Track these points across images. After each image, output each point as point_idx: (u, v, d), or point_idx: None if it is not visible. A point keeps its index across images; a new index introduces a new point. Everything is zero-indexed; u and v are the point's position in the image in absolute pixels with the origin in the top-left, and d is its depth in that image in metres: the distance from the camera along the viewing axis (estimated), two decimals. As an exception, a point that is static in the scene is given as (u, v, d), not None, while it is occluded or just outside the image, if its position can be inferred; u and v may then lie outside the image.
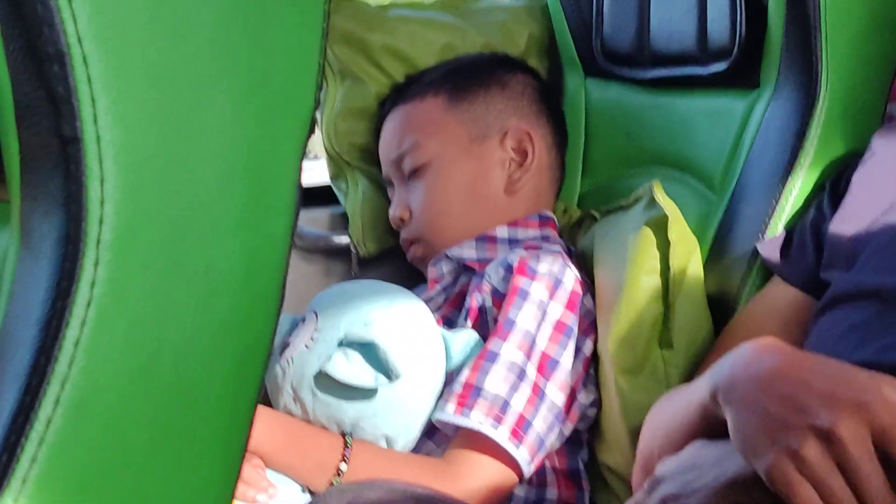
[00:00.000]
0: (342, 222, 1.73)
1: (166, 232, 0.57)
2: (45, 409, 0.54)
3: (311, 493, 1.28)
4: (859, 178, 1.17)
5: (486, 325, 1.38)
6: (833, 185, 1.21)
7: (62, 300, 0.55)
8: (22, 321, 0.56)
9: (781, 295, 1.19)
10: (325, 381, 1.31)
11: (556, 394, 1.32)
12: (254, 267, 0.60)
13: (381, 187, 1.66)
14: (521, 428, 1.29)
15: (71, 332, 0.55)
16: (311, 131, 0.61)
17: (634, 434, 1.32)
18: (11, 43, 0.55)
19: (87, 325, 0.55)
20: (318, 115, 1.71)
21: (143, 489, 0.59)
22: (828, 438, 0.81)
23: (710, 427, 0.94)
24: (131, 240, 0.56)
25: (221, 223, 0.59)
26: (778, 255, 1.21)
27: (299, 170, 0.61)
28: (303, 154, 0.61)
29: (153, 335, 0.57)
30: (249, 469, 1.25)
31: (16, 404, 0.54)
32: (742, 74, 1.38)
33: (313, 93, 0.60)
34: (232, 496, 0.62)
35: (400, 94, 1.62)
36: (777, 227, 1.25)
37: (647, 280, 1.28)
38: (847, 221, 1.14)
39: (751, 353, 0.92)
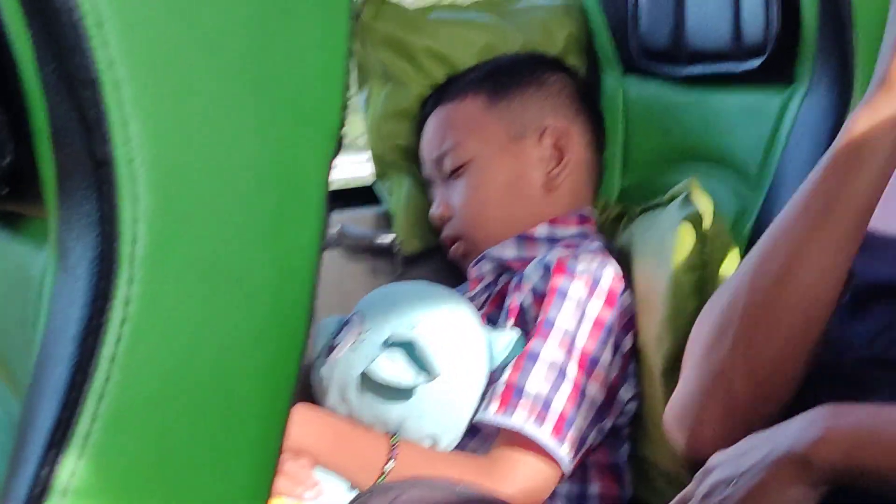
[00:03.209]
0: (386, 222, 1.74)
1: (197, 246, 0.57)
2: (82, 424, 0.55)
3: (357, 490, 1.28)
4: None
5: (526, 324, 1.38)
6: None
7: (97, 318, 0.55)
8: (59, 338, 0.56)
9: None
10: (370, 382, 1.32)
11: (596, 391, 1.32)
12: (284, 275, 0.60)
13: (423, 187, 1.66)
14: (562, 426, 1.29)
15: (106, 350, 0.55)
16: (339, 147, 0.61)
17: (676, 428, 1.32)
18: (45, 68, 0.55)
19: (122, 342, 0.55)
20: (364, 119, 1.72)
21: (182, 490, 0.59)
22: None
23: None
24: (164, 256, 0.56)
25: (251, 234, 0.59)
26: None
27: (327, 182, 0.61)
28: (330, 168, 0.61)
29: (187, 347, 0.58)
30: (297, 467, 1.26)
31: (54, 420, 0.55)
32: (776, 70, 1.38)
33: (339, 110, 0.60)
34: (269, 495, 0.62)
35: (440, 94, 1.62)
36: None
37: (685, 276, 1.28)
38: (880, 216, 1.12)
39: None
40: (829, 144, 1.27)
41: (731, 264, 1.27)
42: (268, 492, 0.63)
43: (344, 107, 0.60)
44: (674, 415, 1.06)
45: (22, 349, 0.64)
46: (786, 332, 0.99)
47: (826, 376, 0.98)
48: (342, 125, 0.61)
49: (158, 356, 0.57)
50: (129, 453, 0.56)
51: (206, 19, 0.56)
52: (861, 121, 1.01)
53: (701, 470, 0.95)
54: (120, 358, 0.55)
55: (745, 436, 0.98)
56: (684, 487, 0.96)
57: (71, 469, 0.55)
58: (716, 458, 0.94)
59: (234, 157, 0.58)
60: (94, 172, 0.55)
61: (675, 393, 1.06)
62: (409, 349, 1.31)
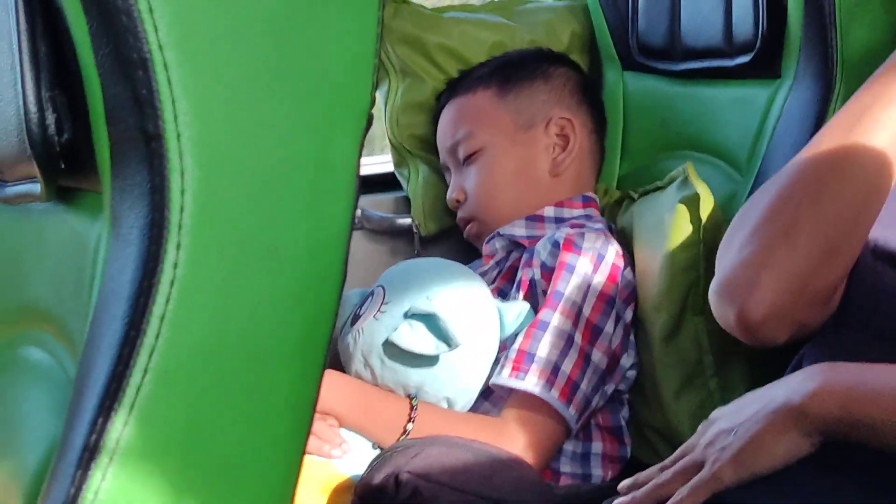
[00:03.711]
0: (405, 206, 1.73)
1: (238, 215, 0.57)
2: (135, 377, 0.55)
3: (380, 448, 1.29)
4: None
5: (536, 297, 1.38)
6: None
7: (149, 280, 0.56)
8: (113, 299, 0.57)
9: None
10: (392, 349, 1.32)
11: (600, 358, 1.32)
12: (318, 245, 0.61)
13: (439, 173, 1.66)
14: (569, 389, 1.29)
15: (157, 308, 0.55)
16: (369, 125, 0.61)
17: (674, 396, 1.33)
18: (100, 50, 0.56)
19: (170, 302, 0.56)
20: (382, 109, 1.71)
21: (222, 443, 0.59)
22: None
23: None
24: (208, 224, 0.57)
25: (287, 206, 0.59)
26: None
27: (358, 157, 0.61)
28: (361, 144, 0.61)
29: (229, 308, 0.58)
30: (325, 427, 1.26)
31: (109, 373, 0.55)
32: (764, 66, 1.37)
33: (369, 90, 0.60)
34: (303, 450, 0.63)
35: (454, 88, 1.62)
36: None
37: (682, 253, 1.28)
38: None
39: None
40: (813, 134, 1.27)
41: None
42: (303, 447, 0.64)
43: (373, 88, 0.60)
44: (724, 285, 1.04)
45: (78, 312, 0.65)
46: (850, 197, 1.00)
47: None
48: (372, 105, 0.61)
49: (203, 316, 0.57)
50: (177, 404, 0.57)
51: (245, 7, 0.57)
52: None
53: (703, 422, 0.95)
54: (169, 316, 0.56)
55: (795, 310, 0.99)
56: (678, 447, 0.96)
57: (124, 419, 0.55)
58: (718, 412, 0.94)
59: (272, 133, 0.58)
60: (145, 147, 0.56)
61: (723, 268, 1.04)
62: (429, 321, 1.31)
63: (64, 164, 0.62)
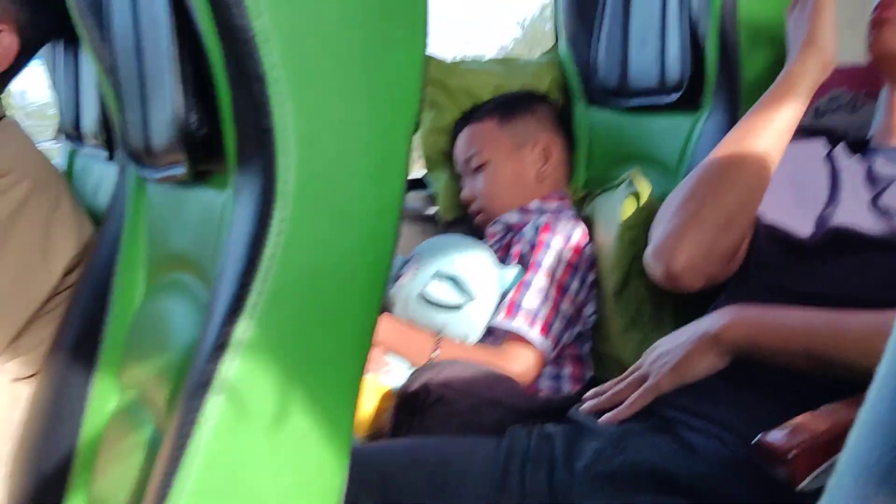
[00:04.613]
0: (432, 200, 1.74)
1: (325, 186, 0.57)
2: (252, 297, 0.55)
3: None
4: None
5: (524, 264, 1.38)
6: None
7: (262, 231, 0.56)
8: (237, 244, 0.57)
9: None
10: (423, 300, 1.33)
11: (567, 307, 1.33)
12: (382, 209, 0.60)
13: (456, 178, 1.66)
14: (546, 328, 1.30)
15: (267, 251, 0.55)
16: (417, 126, 0.61)
17: (621, 335, 1.33)
18: (229, 67, 0.56)
19: (277, 246, 0.56)
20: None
21: (314, 345, 0.59)
22: None
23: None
24: (304, 192, 0.56)
25: (361, 179, 0.58)
26: None
27: (409, 147, 0.60)
28: (411, 138, 0.60)
29: (318, 253, 0.58)
30: (376, 352, 1.27)
31: (234, 294, 0.55)
32: (688, 102, 1.36)
33: (418, 98, 0.59)
34: (367, 356, 0.62)
35: (467, 118, 1.61)
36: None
37: (628, 232, 1.28)
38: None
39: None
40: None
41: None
42: (367, 354, 0.63)
43: (422, 98, 0.60)
44: (654, 252, 1.04)
45: (210, 257, 0.65)
46: (740, 186, 1.01)
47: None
48: (420, 110, 0.60)
49: (300, 257, 0.57)
50: (281, 319, 0.56)
51: (336, 35, 0.56)
52: (794, 66, 1.05)
53: (648, 349, 0.95)
54: (276, 256, 0.56)
55: (704, 265, 1.00)
56: (628, 368, 0.97)
57: (244, 327, 0.55)
58: (659, 342, 0.94)
59: (352, 126, 0.57)
60: (261, 137, 0.55)
61: (654, 238, 1.05)
62: (452, 280, 1.31)
63: (202, 151, 0.63)
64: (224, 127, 0.60)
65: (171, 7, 0.59)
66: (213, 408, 0.54)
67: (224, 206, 0.64)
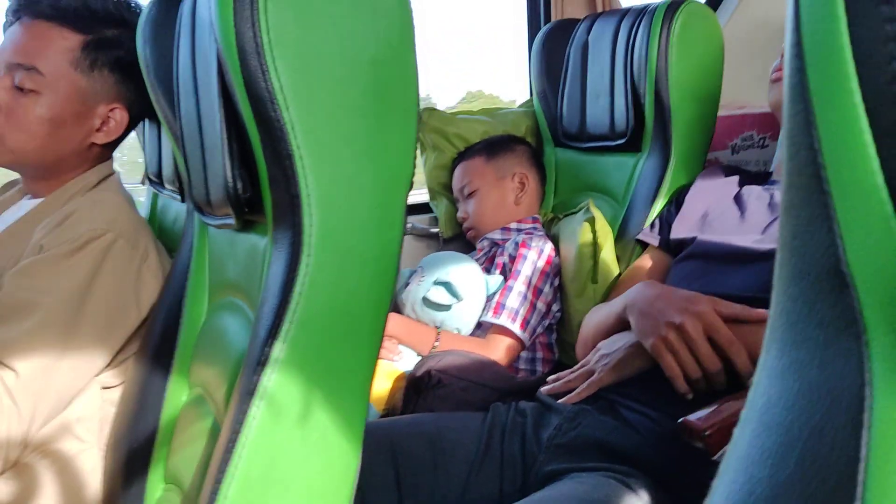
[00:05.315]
0: (435, 221, 1.73)
1: (339, 237, 0.57)
2: (285, 325, 0.55)
3: (420, 356, 1.29)
4: (690, 196, 1.14)
5: (505, 273, 1.38)
6: (677, 200, 1.19)
7: (292, 272, 0.56)
8: (274, 282, 0.57)
9: (652, 256, 1.17)
10: (426, 302, 1.32)
11: (541, 306, 1.32)
12: (384, 254, 0.60)
13: (453, 203, 1.65)
14: (524, 323, 1.29)
15: (297, 288, 0.55)
16: (411, 185, 0.61)
17: (579, 326, 1.32)
18: (265, 148, 0.56)
19: (304, 285, 0.56)
20: (421, 167, 1.71)
21: (335, 358, 0.59)
22: (680, 329, 0.80)
23: (622, 325, 0.94)
24: (323, 242, 0.56)
25: (367, 227, 0.58)
26: (649, 236, 1.19)
27: (406, 200, 0.60)
28: (408, 192, 0.60)
29: (335, 290, 0.57)
30: (390, 344, 1.27)
31: (270, 324, 0.55)
32: (632, 145, 1.36)
33: (411, 165, 0.59)
34: (377, 358, 0.62)
35: (461, 156, 1.61)
36: (649, 222, 1.23)
37: (584, 249, 1.27)
38: (683, 217, 1.12)
39: (643, 286, 0.91)
40: (659, 182, 1.27)
41: (609, 244, 1.27)
42: (377, 357, 0.63)
43: (413, 165, 0.60)
44: (578, 345, 1.07)
45: (256, 287, 0.65)
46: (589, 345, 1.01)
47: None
48: (412, 174, 0.60)
49: (321, 293, 0.57)
50: (307, 341, 0.56)
51: (345, 123, 0.56)
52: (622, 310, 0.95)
53: (593, 349, 0.95)
54: (304, 292, 0.56)
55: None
56: (580, 361, 0.97)
57: (279, 349, 0.55)
58: (601, 344, 0.94)
59: (359, 190, 0.57)
60: (290, 201, 0.55)
61: (578, 340, 1.07)
62: (447, 285, 1.31)
63: (246, 208, 0.63)
64: (263, 191, 0.60)
65: (221, 101, 0.59)
66: (257, 410, 0.54)
67: (265, 248, 0.64)
